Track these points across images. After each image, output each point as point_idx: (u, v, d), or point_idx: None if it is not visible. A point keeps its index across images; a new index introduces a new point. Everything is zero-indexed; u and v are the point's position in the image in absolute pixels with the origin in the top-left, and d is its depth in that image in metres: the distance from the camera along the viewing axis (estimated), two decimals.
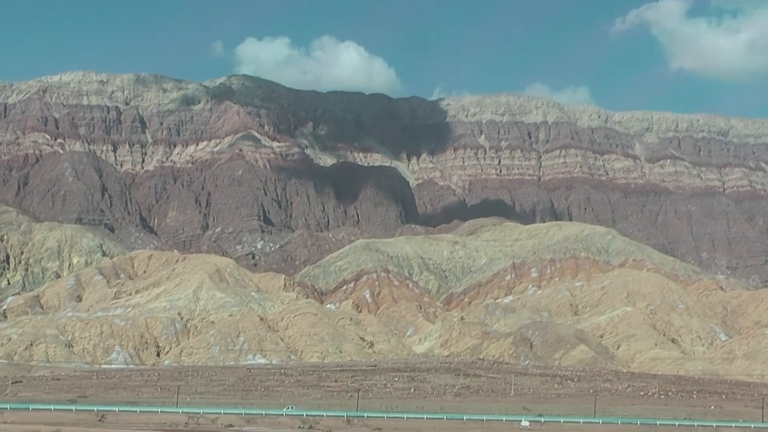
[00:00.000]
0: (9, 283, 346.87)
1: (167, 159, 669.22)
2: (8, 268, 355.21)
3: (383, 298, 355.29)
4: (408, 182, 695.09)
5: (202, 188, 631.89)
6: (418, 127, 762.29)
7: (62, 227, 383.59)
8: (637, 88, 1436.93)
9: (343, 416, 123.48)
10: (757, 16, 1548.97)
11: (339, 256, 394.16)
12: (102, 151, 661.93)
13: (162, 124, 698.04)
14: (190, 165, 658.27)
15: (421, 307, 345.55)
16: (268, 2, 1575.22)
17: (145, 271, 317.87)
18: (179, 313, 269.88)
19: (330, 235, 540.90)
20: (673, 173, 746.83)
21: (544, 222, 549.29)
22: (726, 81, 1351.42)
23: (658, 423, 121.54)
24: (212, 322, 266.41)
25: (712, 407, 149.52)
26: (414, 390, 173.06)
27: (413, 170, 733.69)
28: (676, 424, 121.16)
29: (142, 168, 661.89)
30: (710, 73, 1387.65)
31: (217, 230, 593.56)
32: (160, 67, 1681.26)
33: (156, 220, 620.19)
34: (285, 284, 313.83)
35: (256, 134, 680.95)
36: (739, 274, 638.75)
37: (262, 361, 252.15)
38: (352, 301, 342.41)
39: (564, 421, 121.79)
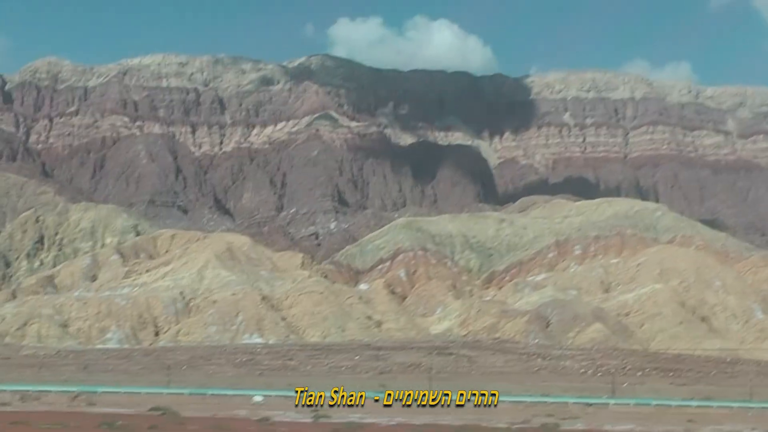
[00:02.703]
0: (42, 264, 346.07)
1: (245, 140, 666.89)
2: (42, 249, 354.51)
3: (418, 277, 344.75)
4: (487, 161, 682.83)
5: (278, 169, 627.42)
6: (502, 105, 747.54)
7: (97, 207, 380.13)
8: (738, 62, 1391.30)
9: (74, 391, 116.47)
10: None
11: (378, 235, 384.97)
12: (181, 133, 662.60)
13: (241, 105, 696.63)
14: (267, 146, 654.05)
15: (455, 286, 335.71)
16: None
17: (167, 251, 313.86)
18: (181, 292, 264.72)
19: (396, 216, 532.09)
20: (766, 149, 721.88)
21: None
22: None
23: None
24: (214, 302, 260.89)
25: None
26: (345, 368, 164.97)
27: (496, 149, 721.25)
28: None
29: (221, 149, 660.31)
30: None
31: (291, 211, 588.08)
32: (242, 49, 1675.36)
33: (232, 202, 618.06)
34: (303, 262, 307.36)
35: (334, 114, 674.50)
36: None
37: (259, 340, 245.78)
38: (385, 280, 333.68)
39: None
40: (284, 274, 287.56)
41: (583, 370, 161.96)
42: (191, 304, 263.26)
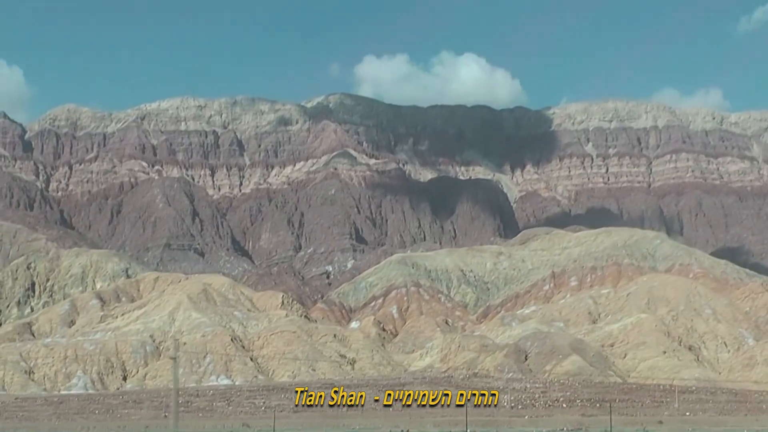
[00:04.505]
0: (32, 310, 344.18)
1: (264, 181, 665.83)
2: (33, 296, 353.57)
3: (411, 314, 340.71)
4: (507, 195, 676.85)
5: (296, 209, 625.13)
6: (523, 137, 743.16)
7: (89, 252, 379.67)
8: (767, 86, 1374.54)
9: None
10: None
11: (372, 272, 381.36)
12: (200, 176, 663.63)
13: (259, 146, 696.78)
14: (286, 186, 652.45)
15: (447, 322, 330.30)
16: (384, 21, 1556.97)
17: (150, 294, 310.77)
18: (151, 335, 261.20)
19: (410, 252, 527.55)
20: None
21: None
22: None
23: None
24: (183, 344, 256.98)
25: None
26: (265, 408, 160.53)
27: (517, 182, 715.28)
28: None
29: (240, 191, 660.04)
30: None
31: (309, 251, 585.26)
32: (260, 90, 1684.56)
33: (250, 243, 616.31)
34: (283, 302, 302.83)
35: (352, 152, 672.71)
36: None
37: (226, 381, 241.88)
38: (375, 318, 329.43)
39: None
40: (261, 315, 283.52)
41: (505, 404, 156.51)
42: (161, 347, 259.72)
